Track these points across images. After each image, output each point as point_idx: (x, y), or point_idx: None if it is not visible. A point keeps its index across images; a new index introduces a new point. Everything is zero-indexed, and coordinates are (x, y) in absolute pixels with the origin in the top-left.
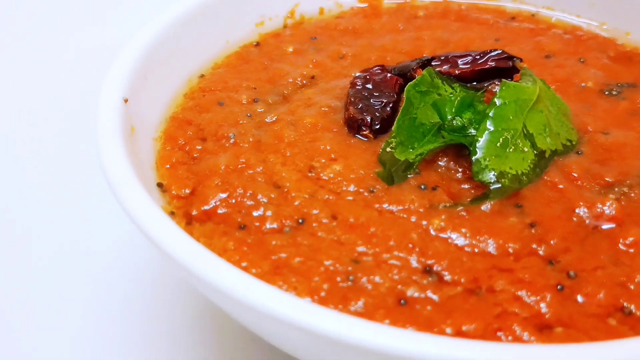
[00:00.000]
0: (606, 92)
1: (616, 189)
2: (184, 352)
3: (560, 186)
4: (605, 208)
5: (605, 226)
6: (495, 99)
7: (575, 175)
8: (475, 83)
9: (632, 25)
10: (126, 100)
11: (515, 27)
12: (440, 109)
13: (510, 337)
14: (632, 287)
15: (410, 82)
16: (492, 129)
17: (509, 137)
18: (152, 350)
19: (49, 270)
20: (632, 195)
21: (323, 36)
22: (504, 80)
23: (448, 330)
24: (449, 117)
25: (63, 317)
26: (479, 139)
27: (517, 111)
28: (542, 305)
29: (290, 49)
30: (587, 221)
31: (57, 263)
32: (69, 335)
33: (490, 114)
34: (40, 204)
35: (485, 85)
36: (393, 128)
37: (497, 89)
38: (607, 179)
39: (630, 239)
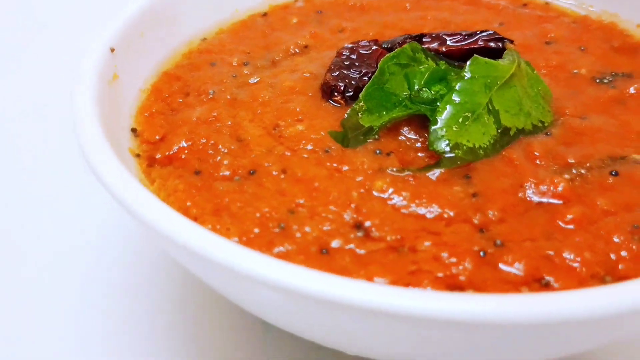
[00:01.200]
0: (597, 80)
1: (574, 170)
2: (165, 327)
3: (517, 162)
4: (552, 186)
5: (549, 202)
6: (464, 73)
7: (537, 154)
8: (463, 62)
9: None
10: (112, 50)
11: (523, 13)
12: (410, 80)
13: None
14: (557, 261)
15: (388, 54)
16: (456, 101)
17: (471, 110)
18: (134, 330)
19: (29, 253)
20: (589, 176)
21: (329, 10)
22: (475, 55)
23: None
24: (416, 87)
25: (45, 299)
26: (442, 110)
27: (484, 87)
28: (459, 267)
29: (295, 20)
30: (532, 196)
31: (40, 245)
32: (51, 317)
33: (457, 87)
34: (23, 191)
35: None
36: (361, 95)
37: None
38: (569, 160)
39: (570, 215)
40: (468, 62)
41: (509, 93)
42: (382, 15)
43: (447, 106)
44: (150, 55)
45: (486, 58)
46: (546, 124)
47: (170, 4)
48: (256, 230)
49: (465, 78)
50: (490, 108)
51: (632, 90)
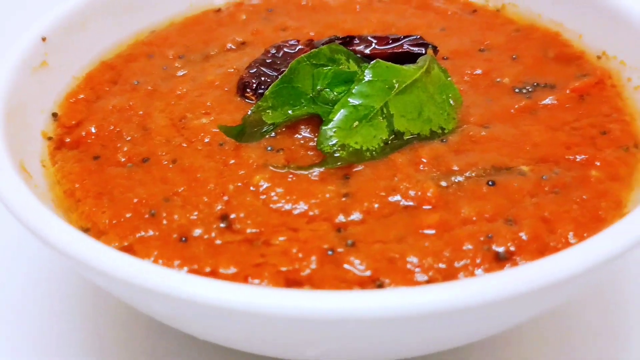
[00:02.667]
0: (517, 90)
1: (453, 178)
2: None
3: (399, 167)
4: (420, 191)
5: (415, 206)
6: (364, 76)
7: (424, 160)
8: None
9: (586, 27)
10: (44, 39)
11: (470, 20)
12: (315, 80)
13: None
14: (399, 264)
15: (305, 54)
16: (351, 103)
17: (365, 113)
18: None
19: None
20: (465, 184)
21: (280, 9)
22: (377, 59)
23: (207, 269)
24: (318, 88)
25: None
26: (336, 111)
27: (382, 90)
28: (304, 263)
29: (244, 17)
30: (401, 200)
31: None
32: None
33: (354, 90)
34: None
35: None
36: (266, 92)
37: None
38: (452, 168)
39: (429, 221)
40: (369, 65)
41: (409, 98)
42: (329, 16)
43: (342, 108)
44: (91, 44)
45: (389, 62)
46: (446, 131)
47: None
48: (128, 215)
49: (364, 81)
50: (385, 112)
51: (547, 101)
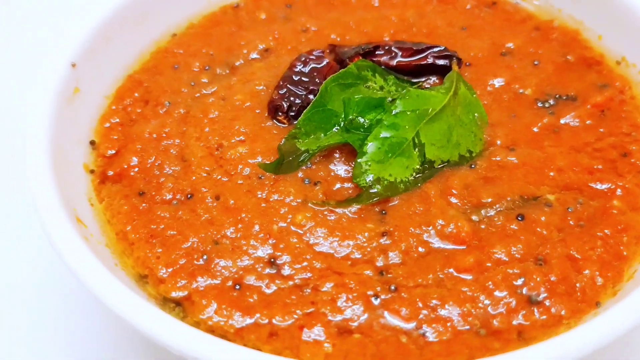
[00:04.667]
0: (539, 103)
1: (483, 212)
2: None
3: (432, 200)
4: (455, 229)
5: (450, 247)
6: (395, 107)
7: (455, 191)
8: (412, 77)
9: (606, 29)
10: (74, 65)
11: (489, 15)
12: (346, 106)
13: (310, 336)
14: (440, 311)
15: (332, 76)
16: (383, 135)
17: (397, 145)
18: None
19: None
20: (496, 219)
21: (298, 5)
22: (408, 88)
23: (264, 320)
24: (350, 116)
25: None
26: (368, 143)
27: (413, 121)
28: (351, 312)
29: (263, 16)
30: (436, 239)
31: None
32: None
33: (385, 122)
34: None
35: (423, 80)
36: (299, 119)
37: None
38: (482, 200)
39: (465, 263)
40: (400, 95)
41: (438, 125)
42: (347, 14)
43: (374, 140)
44: (117, 59)
45: (419, 90)
46: (474, 154)
47: (139, 1)
48: (182, 261)
49: (394, 112)
50: (417, 142)
51: (568, 118)
